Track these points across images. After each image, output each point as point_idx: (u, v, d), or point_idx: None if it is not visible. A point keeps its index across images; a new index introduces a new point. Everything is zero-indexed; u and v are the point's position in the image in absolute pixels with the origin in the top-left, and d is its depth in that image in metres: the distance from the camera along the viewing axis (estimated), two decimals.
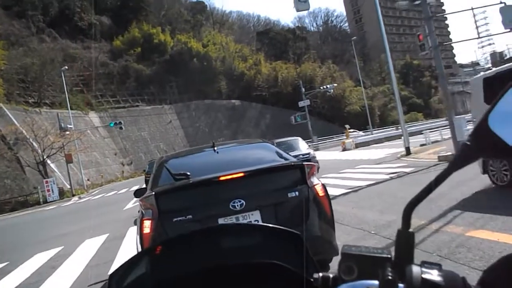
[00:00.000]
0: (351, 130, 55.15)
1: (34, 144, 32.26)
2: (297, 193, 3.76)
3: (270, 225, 0.98)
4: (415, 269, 0.70)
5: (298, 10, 14.66)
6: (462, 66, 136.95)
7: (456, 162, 0.70)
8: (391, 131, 47.27)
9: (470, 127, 14.66)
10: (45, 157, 31.76)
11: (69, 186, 32.85)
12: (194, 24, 73.72)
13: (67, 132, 34.72)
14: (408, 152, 18.70)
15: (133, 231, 8.81)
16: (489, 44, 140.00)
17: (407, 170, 12.97)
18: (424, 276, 0.69)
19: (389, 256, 0.74)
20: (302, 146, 18.06)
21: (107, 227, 11.21)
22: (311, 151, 17.69)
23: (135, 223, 4.24)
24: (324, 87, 51.92)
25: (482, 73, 9.12)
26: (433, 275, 0.69)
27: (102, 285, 0.88)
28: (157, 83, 58.28)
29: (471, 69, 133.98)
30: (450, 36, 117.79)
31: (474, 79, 9.06)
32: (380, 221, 6.46)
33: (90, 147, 42.57)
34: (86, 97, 50.80)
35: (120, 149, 50.08)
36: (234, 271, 0.91)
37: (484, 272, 0.69)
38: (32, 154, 32.13)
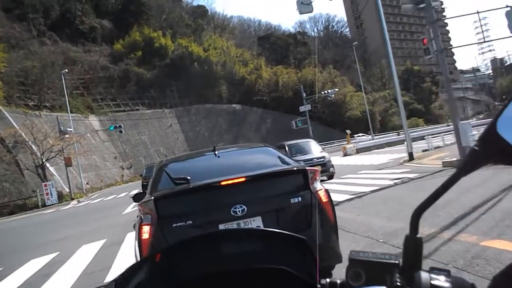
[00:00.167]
0: (360, 134, 54.98)
1: (33, 147, 32.07)
2: (299, 198, 3.66)
3: (275, 230, 0.92)
4: (424, 275, 0.70)
5: (301, 13, 14.47)
6: (462, 72, 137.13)
7: (464, 167, 0.70)
8: (392, 136, 47.11)
9: (476, 132, 14.46)
10: (44, 160, 31.55)
11: (68, 190, 32.62)
12: (195, 29, 73.69)
13: (67, 136, 34.52)
14: (411, 157, 18.46)
15: (131, 237, 8.58)
16: (490, 51, 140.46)
17: (411, 175, 12.73)
18: (433, 282, 0.69)
19: (397, 262, 0.74)
20: (316, 149, 17.27)
21: (105, 232, 10.98)
22: (326, 155, 16.71)
23: (134, 228, 4.01)
24: (325, 92, 51.84)
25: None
26: (442, 281, 0.69)
27: None
28: (157, 87, 58.15)
29: (472, 75, 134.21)
30: (451, 42, 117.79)
31: None
32: (388, 229, 6.22)
33: (90, 151, 42.38)
34: (86, 100, 50.65)
35: (120, 153, 49.87)
36: (237, 277, 0.88)
37: (494, 278, 0.68)
38: (31, 157, 31.91)
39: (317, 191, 3.76)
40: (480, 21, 14.10)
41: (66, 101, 38.78)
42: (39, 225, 17.40)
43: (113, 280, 0.85)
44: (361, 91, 59.13)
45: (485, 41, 14.41)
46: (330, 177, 15.98)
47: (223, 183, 3.59)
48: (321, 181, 14.38)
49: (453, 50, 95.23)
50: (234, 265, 0.89)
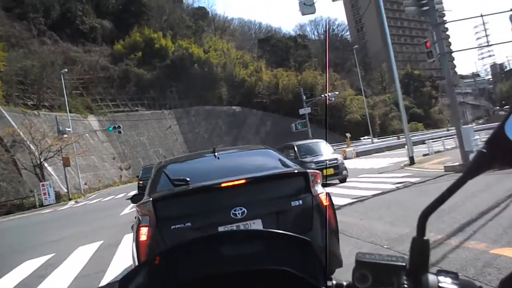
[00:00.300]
0: (366, 137, 54.86)
1: (32, 146, 31.87)
2: (300, 201, 3.62)
3: (279, 231, 0.93)
4: (431, 277, 0.70)
5: (303, 14, 14.33)
6: (462, 77, 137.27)
7: (471, 170, 0.70)
8: (392, 140, 47.03)
9: (478, 137, 14.33)
10: (42, 160, 31.36)
11: (66, 190, 32.44)
12: (195, 30, 73.59)
13: (65, 135, 34.32)
14: (412, 161, 18.32)
15: (129, 238, 8.42)
16: (489, 56, 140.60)
17: (413, 180, 12.59)
18: (440, 285, 0.69)
19: (404, 264, 0.73)
20: (327, 150, 16.34)
21: (102, 233, 10.81)
22: (339, 156, 15.85)
23: (132, 228, 3.93)
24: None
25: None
26: (450, 284, 0.69)
27: None
28: (157, 88, 58.00)
29: (472, 80, 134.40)
30: (450, 47, 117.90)
31: None
32: (392, 234, 6.06)
33: (88, 151, 42.21)
34: (86, 100, 50.49)
35: (118, 153, 49.68)
36: (238, 279, 0.88)
37: (501, 282, 0.67)
38: (29, 157, 31.72)
39: (318, 194, 3.71)
40: (484, 25, 14.01)
41: (65, 101, 38.61)
42: (36, 225, 17.22)
43: (116, 281, 0.85)
44: (361, 94, 59.04)
45: (489, 45, 14.28)
46: (343, 180, 15.18)
47: (223, 184, 3.56)
48: (332, 184, 13.50)
49: (453, 55, 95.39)
50: (235, 267, 0.88)
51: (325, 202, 3.70)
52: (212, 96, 62.11)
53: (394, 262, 0.74)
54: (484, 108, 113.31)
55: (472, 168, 0.69)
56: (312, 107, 50.82)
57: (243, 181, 3.59)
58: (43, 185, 29.25)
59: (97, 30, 60.17)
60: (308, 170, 3.93)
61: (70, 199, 30.76)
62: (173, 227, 3.41)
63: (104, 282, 5.89)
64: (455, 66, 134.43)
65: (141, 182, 22.03)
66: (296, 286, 0.84)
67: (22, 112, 38.45)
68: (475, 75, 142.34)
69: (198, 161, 5.04)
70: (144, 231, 3.46)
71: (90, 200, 28.16)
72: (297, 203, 3.61)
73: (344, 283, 0.80)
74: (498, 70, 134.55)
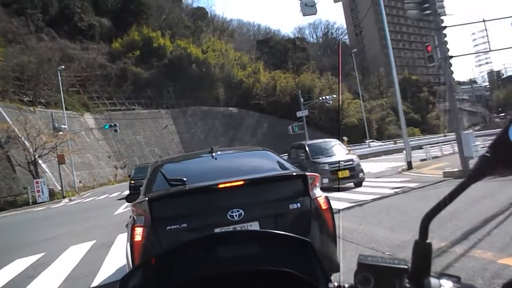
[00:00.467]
0: (370, 140, 54.75)
1: (26, 143, 31.55)
2: (298, 204, 3.60)
3: (279, 232, 0.94)
4: (434, 281, 0.70)
5: (304, 15, 14.18)
6: (459, 83, 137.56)
7: (475, 174, 0.70)
8: (389, 144, 47.00)
9: (479, 143, 14.20)
10: (36, 156, 31.03)
11: (60, 188, 32.12)
12: (194, 30, 73.38)
13: (61, 133, 34.02)
14: (410, 166, 18.20)
15: (122, 239, 8.23)
16: (487, 63, 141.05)
17: (412, 185, 12.44)
18: None
19: (406, 267, 0.73)
20: (341, 151, 15.13)
21: (95, 232, 10.60)
22: (354, 157, 14.58)
23: (126, 227, 3.87)
24: (323, 97, 51.64)
25: None
26: None
27: None
28: (154, 87, 57.71)
29: (469, 86, 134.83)
30: (448, 53, 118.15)
31: None
32: (393, 240, 5.90)
33: (84, 149, 41.90)
34: (82, 98, 50.10)
35: (114, 152, 49.36)
36: (237, 279, 0.89)
37: (504, 286, 0.68)
38: (23, 154, 31.37)
39: (317, 197, 3.68)
40: (486, 30, 13.93)
41: (62, 98, 38.31)
42: (28, 223, 16.99)
43: (116, 281, 0.87)
44: (358, 98, 59.01)
45: (490, 50, 14.17)
46: (359, 184, 14.05)
47: (220, 186, 3.52)
48: (346, 189, 13.04)
49: (451, 61, 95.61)
50: (233, 268, 0.88)
51: (324, 206, 3.66)
52: (209, 97, 61.89)
53: (397, 265, 0.73)
54: (481, 115, 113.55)
55: (475, 172, 0.69)
56: (309, 109, 50.73)
57: (241, 182, 3.54)
58: (37, 182, 28.97)
59: (96, 27, 59.84)
60: (307, 173, 3.87)
61: (64, 197, 30.47)
62: (168, 227, 3.35)
63: (94, 284, 5.70)
64: (452, 72, 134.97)
65: (132, 181, 21.40)
66: (296, 287, 0.84)
67: (18, 108, 38.08)
68: (472, 81, 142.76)
69: (196, 161, 4.97)
70: (139, 231, 3.40)
71: (84, 199, 27.89)
72: (295, 206, 3.58)
73: (346, 285, 0.80)
74: (495, 77, 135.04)
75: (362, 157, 35.69)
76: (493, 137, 0.70)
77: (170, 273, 0.87)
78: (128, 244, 3.52)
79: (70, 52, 52.91)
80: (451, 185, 0.61)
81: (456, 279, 0.69)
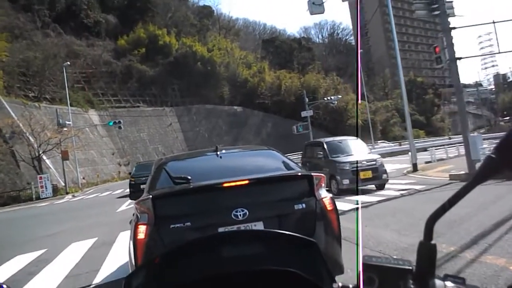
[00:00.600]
0: (381, 141, 54.38)
1: (31, 138, 31.59)
2: (304, 205, 3.57)
3: (283, 231, 0.94)
4: (438, 282, 0.70)
5: (312, 13, 14.03)
6: (465, 86, 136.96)
7: (480, 175, 0.70)
8: (394, 146, 46.81)
9: (486, 146, 14.04)
10: (41, 152, 31.07)
11: (63, 184, 32.16)
12: (200, 28, 73.32)
13: (65, 129, 34.05)
14: (415, 168, 18.03)
15: (124, 237, 8.16)
16: (493, 66, 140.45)
17: (418, 187, 12.30)
18: None
19: (410, 268, 0.73)
20: (362, 149, 14.08)
21: (97, 229, 10.53)
22: (377, 157, 13.59)
23: (130, 224, 3.82)
24: (328, 98, 51.50)
25: None
26: None
27: None
28: (159, 85, 57.71)
29: (474, 89, 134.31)
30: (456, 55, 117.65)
31: None
32: (401, 244, 5.77)
33: (88, 145, 41.96)
34: (87, 94, 50.15)
35: (118, 149, 49.39)
36: (240, 279, 0.90)
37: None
38: (27, 149, 31.42)
39: (322, 198, 3.65)
40: (495, 32, 13.75)
41: (67, 94, 38.30)
42: (30, 219, 16.97)
43: (122, 278, 0.87)
44: (364, 99, 58.78)
45: (500, 52, 14.02)
46: (381, 186, 13.09)
47: (225, 185, 3.48)
48: (367, 192, 12.35)
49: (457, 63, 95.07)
50: (236, 268, 0.88)
51: (329, 207, 3.63)
52: (214, 95, 61.83)
53: (401, 265, 0.73)
54: (486, 118, 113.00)
55: (481, 173, 0.69)
56: (314, 110, 50.60)
57: (246, 182, 3.51)
58: (40, 178, 29.03)
59: (102, 24, 59.88)
60: (312, 173, 3.82)
61: (67, 193, 30.53)
62: (172, 226, 3.33)
63: (96, 282, 5.62)
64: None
65: (133, 179, 20.40)
66: (301, 287, 0.84)
67: (23, 103, 38.13)
68: (478, 84, 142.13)
69: (200, 160, 4.93)
70: (142, 229, 3.36)
71: (87, 195, 27.89)
72: (300, 206, 3.55)
73: (350, 286, 0.80)
74: (501, 80, 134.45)
75: None
76: (498, 140, 0.70)
77: (173, 272, 0.87)
78: (131, 242, 3.49)
79: (75, 49, 52.95)
80: (457, 188, 0.59)
81: (461, 280, 0.69)
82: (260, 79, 67.49)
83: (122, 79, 55.23)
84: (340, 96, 54.28)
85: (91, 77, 52.43)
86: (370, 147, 48.18)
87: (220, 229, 3.29)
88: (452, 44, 13.45)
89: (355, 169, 12.44)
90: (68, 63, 40.19)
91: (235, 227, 3.34)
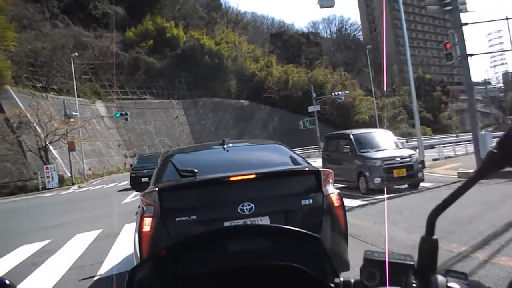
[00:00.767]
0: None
1: (38, 129, 31.69)
2: (311, 201, 3.54)
3: (288, 227, 0.95)
4: (440, 278, 0.70)
5: (322, 7, 13.88)
6: (474, 84, 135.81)
7: (482, 170, 0.70)
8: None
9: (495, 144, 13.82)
10: (47, 142, 31.16)
11: (69, 174, 32.27)
12: (208, 21, 73.15)
13: (72, 120, 34.12)
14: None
15: (128, 229, 8.11)
16: (502, 64, 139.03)
17: (426, 185, 12.14)
18: (449, 284, 0.69)
19: (412, 263, 0.73)
20: (392, 144, 12.67)
21: (102, 221, 10.50)
22: (413, 152, 12.29)
23: (136, 215, 3.82)
24: (336, 93, 51.26)
25: None
26: (459, 284, 0.69)
27: None
28: (166, 77, 57.70)
29: (483, 87, 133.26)
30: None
31: None
32: (410, 242, 5.65)
33: (94, 136, 42.07)
34: (94, 86, 50.22)
35: (124, 140, 49.50)
36: (245, 273, 0.90)
37: (510, 283, 0.68)
38: (34, 139, 31.54)
39: (329, 194, 3.63)
40: (509, 28, 13.51)
41: (74, 85, 38.35)
42: (36, 209, 17.04)
43: (126, 271, 0.88)
44: (370, 95, 58.42)
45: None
46: (416, 185, 11.78)
47: (231, 178, 3.47)
48: (398, 192, 11.23)
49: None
50: (242, 262, 0.89)
51: (336, 203, 3.61)
52: (221, 89, 61.74)
53: (403, 261, 0.73)
54: (494, 116, 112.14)
55: (483, 168, 0.70)
56: (321, 105, 50.40)
57: (252, 176, 3.49)
58: (47, 168, 29.14)
59: (110, 16, 59.71)
60: (320, 169, 3.78)
61: (73, 184, 30.64)
62: (178, 219, 3.32)
63: (100, 274, 5.57)
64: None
65: (134, 172, 19.64)
66: (304, 282, 0.85)
67: (31, 94, 38.26)
68: (486, 82, 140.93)
69: (207, 153, 4.90)
70: (147, 221, 3.36)
71: (93, 186, 27.96)
72: (307, 202, 3.53)
73: (352, 281, 0.80)
74: (510, 78, 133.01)
75: None
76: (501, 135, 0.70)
77: (179, 265, 0.88)
78: (136, 234, 3.47)
79: (83, 40, 52.99)
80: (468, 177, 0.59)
81: (463, 275, 0.69)
82: (267, 73, 67.31)
83: (130, 71, 55.29)
84: (347, 92, 54.03)
85: (99, 69, 52.46)
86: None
87: (226, 223, 3.27)
88: (464, 40, 13.21)
89: (387, 166, 11.15)
90: (76, 54, 40.19)
91: (241, 222, 3.32)
